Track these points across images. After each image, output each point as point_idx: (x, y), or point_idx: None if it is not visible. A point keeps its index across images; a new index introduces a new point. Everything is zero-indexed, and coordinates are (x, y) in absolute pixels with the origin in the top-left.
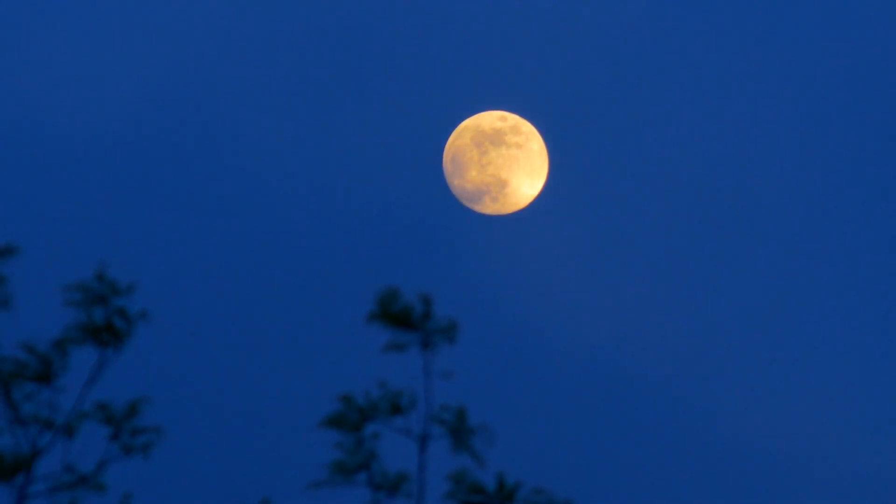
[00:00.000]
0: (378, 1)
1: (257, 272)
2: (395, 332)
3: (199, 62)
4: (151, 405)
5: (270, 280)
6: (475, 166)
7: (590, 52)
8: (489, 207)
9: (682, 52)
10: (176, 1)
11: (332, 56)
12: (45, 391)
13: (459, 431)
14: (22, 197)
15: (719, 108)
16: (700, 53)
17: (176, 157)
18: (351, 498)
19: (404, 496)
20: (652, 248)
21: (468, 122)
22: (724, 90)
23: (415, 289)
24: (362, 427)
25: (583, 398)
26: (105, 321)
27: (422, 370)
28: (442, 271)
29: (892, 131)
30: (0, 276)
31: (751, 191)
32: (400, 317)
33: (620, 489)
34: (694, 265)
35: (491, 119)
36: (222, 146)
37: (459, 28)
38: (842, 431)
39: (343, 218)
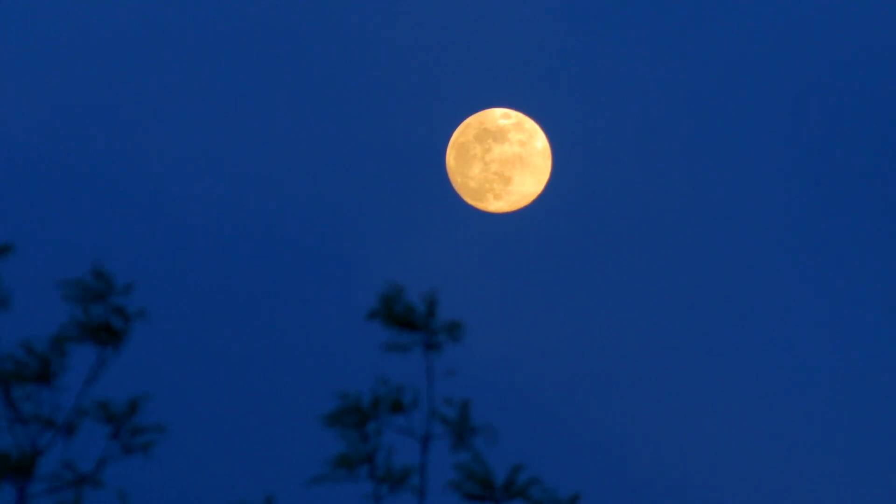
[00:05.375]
0: None
1: (260, 268)
2: (398, 331)
3: (197, 56)
4: (152, 403)
5: (273, 276)
6: (478, 163)
7: (594, 49)
8: (492, 205)
9: (685, 50)
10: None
11: (335, 53)
12: (44, 391)
13: (462, 429)
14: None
15: (724, 106)
16: (703, 51)
17: (175, 151)
18: (354, 495)
19: (410, 490)
20: (655, 247)
21: (472, 119)
22: (727, 88)
23: (417, 287)
24: (364, 425)
25: (577, 399)
26: (103, 320)
27: (425, 370)
28: (444, 269)
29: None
30: None
31: (756, 188)
32: (402, 317)
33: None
34: (697, 263)
35: (494, 116)
36: (223, 141)
37: (463, 25)
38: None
39: (345, 214)
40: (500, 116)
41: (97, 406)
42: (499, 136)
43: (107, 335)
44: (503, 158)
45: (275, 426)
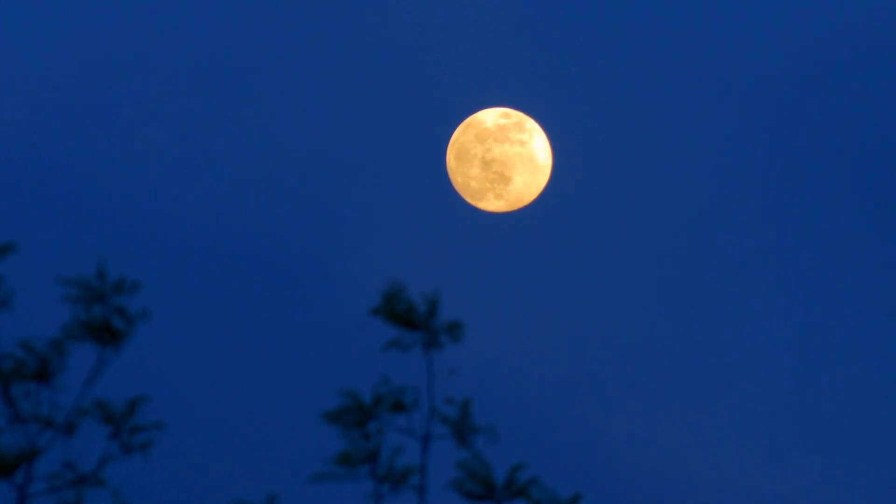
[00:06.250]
0: None
1: (259, 267)
2: (399, 330)
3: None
4: (152, 402)
5: (273, 276)
6: (479, 163)
7: (594, 49)
8: (493, 205)
9: (685, 50)
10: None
11: (335, 53)
12: (44, 390)
13: (463, 428)
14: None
15: (724, 106)
16: (703, 51)
17: (174, 151)
18: (355, 494)
19: (411, 489)
20: (655, 247)
21: (472, 119)
22: (727, 88)
23: (417, 286)
24: (365, 424)
25: (577, 399)
26: (103, 320)
27: (425, 369)
28: (444, 269)
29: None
30: None
31: (757, 188)
32: (404, 316)
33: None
34: (698, 263)
35: (495, 115)
36: (222, 141)
37: (462, 25)
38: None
39: (345, 214)
40: (501, 116)
41: (96, 406)
42: (499, 135)
43: (108, 335)
44: (503, 158)
45: (275, 426)
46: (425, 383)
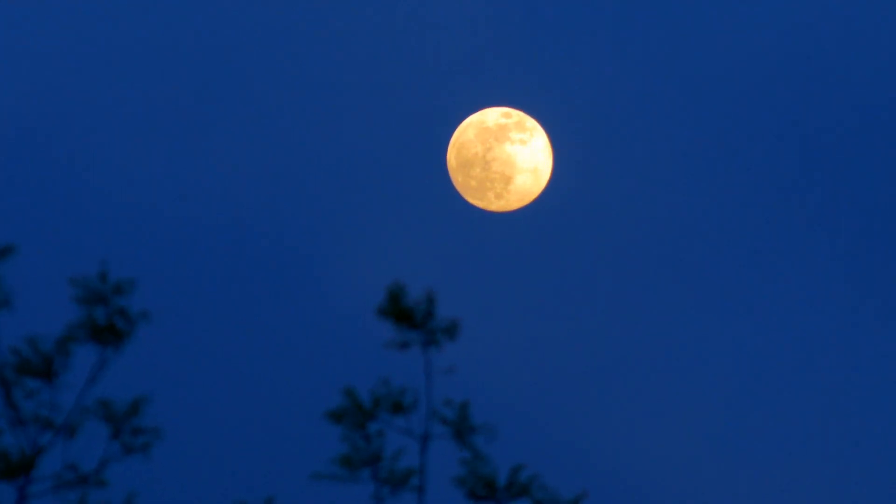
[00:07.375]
0: None
1: (260, 267)
2: (399, 329)
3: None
4: (153, 403)
5: (273, 276)
6: (479, 163)
7: (595, 49)
8: (493, 204)
9: (686, 50)
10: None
11: (335, 53)
12: (45, 389)
13: (461, 429)
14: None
15: (725, 107)
16: (705, 52)
17: (175, 151)
18: (354, 495)
19: (411, 490)
20: (655, 247)
21: (472, 118)
22: (728, 88)
23: (418, 286)
24: (365, 425)
25: (577, 399)
26: (106, 321)
27: (423, 369)
28: (445, 269)
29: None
30: None
31: (758, 189)
32: (405, 314)
33: None
34: (698, 263)
35: (495, 115)
36: (223, 141)
37: (464, 24)
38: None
39: (346, 214)
40: (501, 116)
41: (99, 405)
42: (499, 135)
43: (110, 336)
44: (504, 158)
45: (275, 426)
46: (424, 383)
